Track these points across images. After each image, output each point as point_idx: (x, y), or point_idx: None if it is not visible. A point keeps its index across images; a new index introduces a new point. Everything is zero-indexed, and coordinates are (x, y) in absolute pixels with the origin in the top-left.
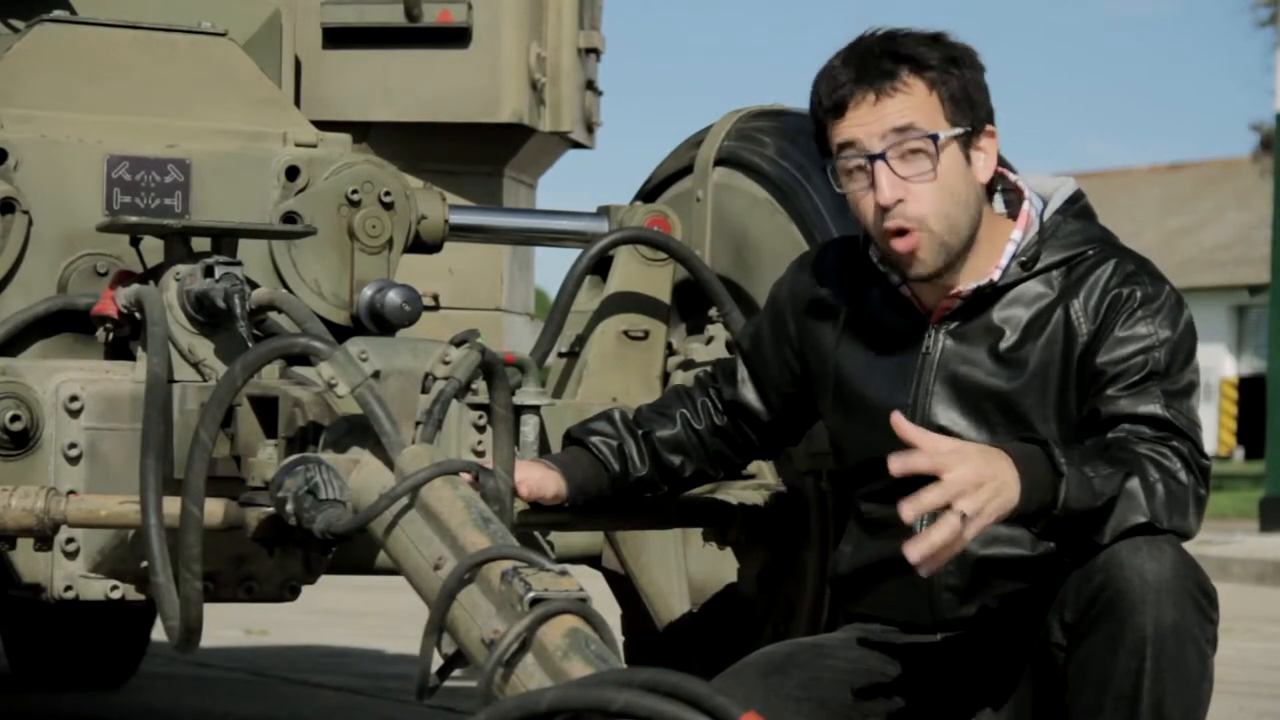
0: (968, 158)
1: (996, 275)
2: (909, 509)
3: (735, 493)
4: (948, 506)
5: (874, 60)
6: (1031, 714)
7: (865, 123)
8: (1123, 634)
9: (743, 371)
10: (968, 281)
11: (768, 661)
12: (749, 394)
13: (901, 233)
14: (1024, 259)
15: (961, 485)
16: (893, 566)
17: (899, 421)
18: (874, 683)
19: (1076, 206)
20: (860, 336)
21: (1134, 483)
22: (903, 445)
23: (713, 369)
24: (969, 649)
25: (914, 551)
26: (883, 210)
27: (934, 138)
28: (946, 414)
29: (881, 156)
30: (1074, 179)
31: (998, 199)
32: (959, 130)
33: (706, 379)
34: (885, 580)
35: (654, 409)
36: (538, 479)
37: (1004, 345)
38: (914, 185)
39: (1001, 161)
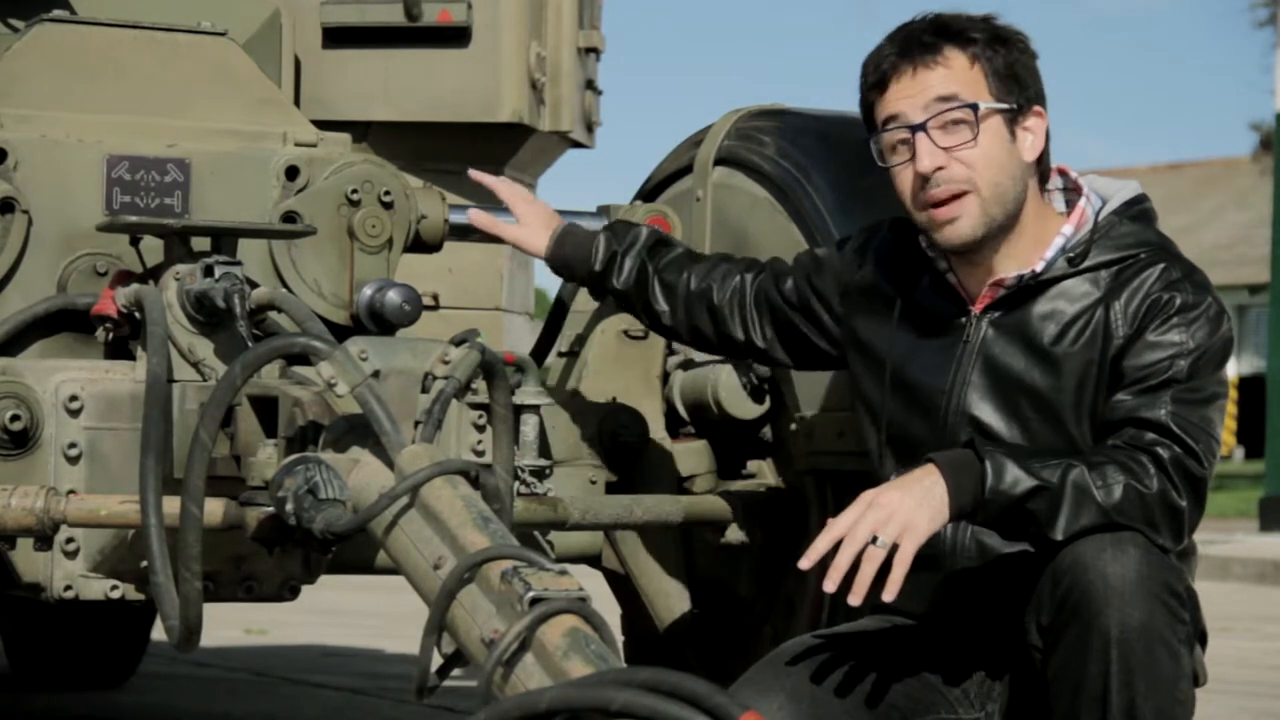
0: (1012, 134)
1: (1040, 266)
2: (829, 582)
3: (735, 492)
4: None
5: (917, 36)
6: (1023, 713)
7: (907, 95)
8: (1089, 637)
9: (794, 280)
10: (1010, 269)
11: (811, 651)
12: (785, 298)
13: (947, 200)
14: (1072, 255)
15: (872, 521)
16: (919, 561)
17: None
18: (910, 679)
19: (1135, 209)
20: (910, 322)
21: (1081, 476)
22: (939, 429)
23: (766, 265)
24: (992, 643)
25: (854, 598)
26: (923, 180)
27: (974, 107)
28: (981, 404)
29: (922, 127)
30: (1139, 183)
31: (1058, 196)
32: (1003, 105)
33: (753, 266)
34: (911, 574)
35: (684, 253)
36: (526, 210)
37: (1045, 340)
38: (955, 153)
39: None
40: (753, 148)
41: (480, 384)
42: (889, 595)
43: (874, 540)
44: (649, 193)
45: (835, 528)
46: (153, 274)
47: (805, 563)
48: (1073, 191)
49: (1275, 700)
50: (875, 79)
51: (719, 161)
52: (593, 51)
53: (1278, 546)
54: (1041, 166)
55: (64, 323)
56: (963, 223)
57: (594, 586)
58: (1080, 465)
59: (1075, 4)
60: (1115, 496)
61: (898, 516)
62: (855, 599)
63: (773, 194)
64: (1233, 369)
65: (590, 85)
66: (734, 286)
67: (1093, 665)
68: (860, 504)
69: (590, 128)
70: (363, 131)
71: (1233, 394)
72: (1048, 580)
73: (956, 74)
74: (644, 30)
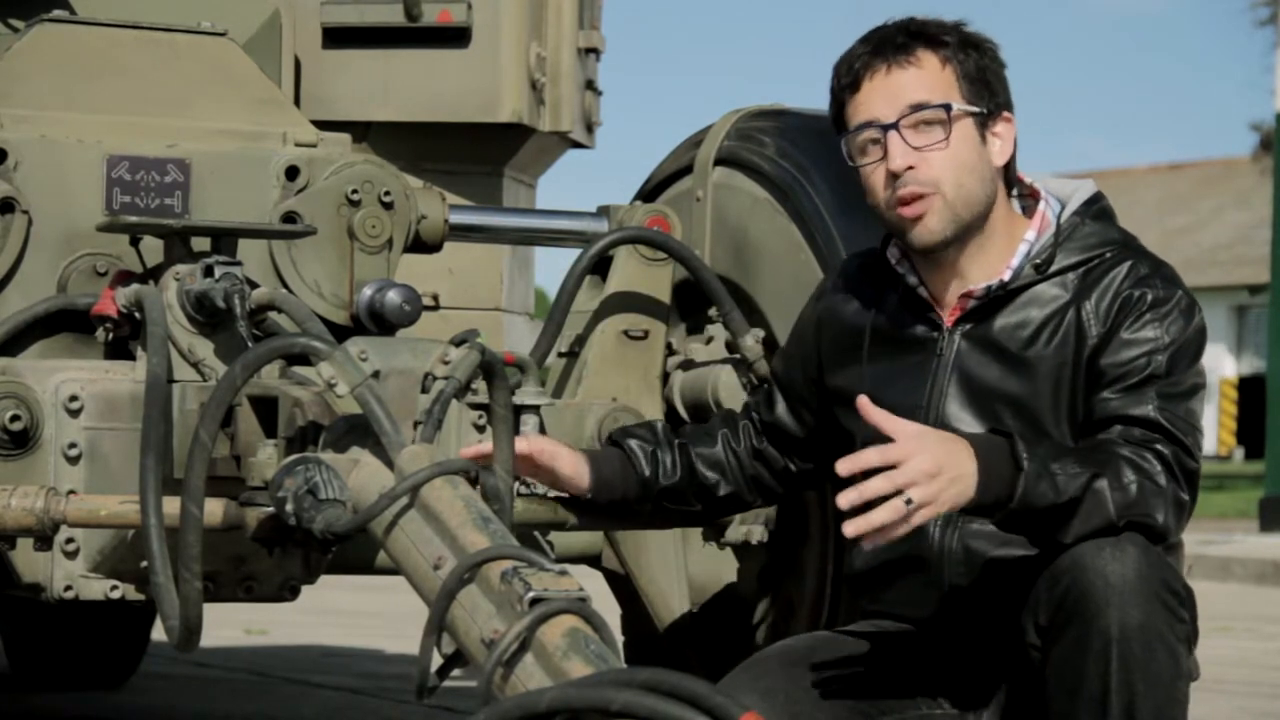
0: (983, 138)
1: (1007, 275)
2: (850, 495)
3: None
4: (898, 492)
5: (891, 37)
6: (1021, 714)
7: (880, 94)
8: (1089, 637)
9: (777, 394)
10: (979, 279)
11: (789, 653)
12: (784, 415)
13: (912, 200)
14: (1038, 261)
15: (914, 475)
16: (907, 565)
17: (864, 405)
18: (890, 678)
19: (1095, 208)
20: (883, 342)
21: (1102, 484)
22: None
23: (755, 394)
24: (980, 647)
25: (850, 527)
26: (893, 178)
27: (947, 107)
28: (960, 416)
29: (895, 126)
30: (1094, 181)
31: (1014, 201)
32: (974, 109)
33: (750, 404)
34: (899, 578)
35: (697, 427)
36: (554, 449)
37: (1018, 347)
38: (927, 153)
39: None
40: (753, 148)
41: (480, 384)
42: (850, 531)
43: (907, 500)
44: (649, 193)
45: (888, 454)
46: (153, 274)
47: (844, 467)
48: (1029, 197)
49: (1275, 700)
50: (849, 79)
51: (719, 162)
52: (593, 52)
53: (1278, 546)
54: (1009, 174)
55: (64, 323)
56: (931, 220)
57: (594, 586)
58: (1103, 475)
59: (1075, 4)
60: (1131, 495)
61: (934, 487)
62: (849, 530)
63: (773, 194)
64: (1233, 369)
65: (590, 85)
66: (749, 430)
67: (1092, 665)
68: (925, 451)
69: (590, 128)
70: (363, 131)
71: (1233, 394)
72: (1045, 580)
73: (929, 75)
74: (644, 30)
